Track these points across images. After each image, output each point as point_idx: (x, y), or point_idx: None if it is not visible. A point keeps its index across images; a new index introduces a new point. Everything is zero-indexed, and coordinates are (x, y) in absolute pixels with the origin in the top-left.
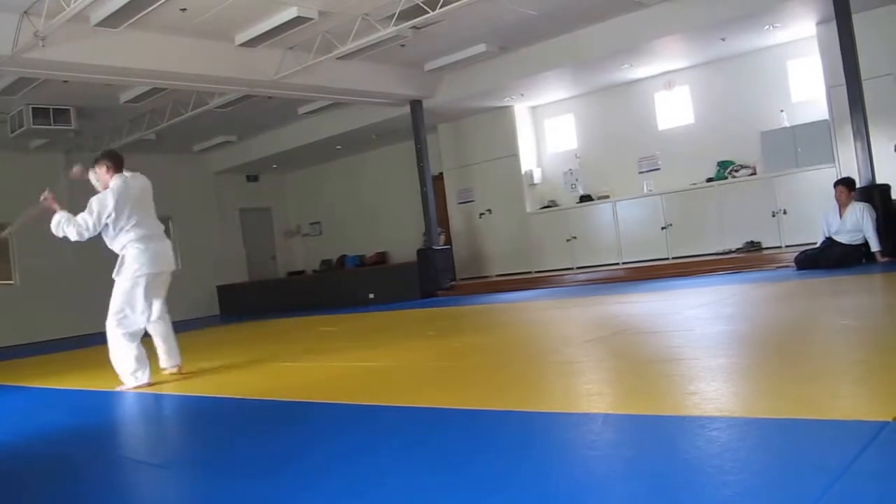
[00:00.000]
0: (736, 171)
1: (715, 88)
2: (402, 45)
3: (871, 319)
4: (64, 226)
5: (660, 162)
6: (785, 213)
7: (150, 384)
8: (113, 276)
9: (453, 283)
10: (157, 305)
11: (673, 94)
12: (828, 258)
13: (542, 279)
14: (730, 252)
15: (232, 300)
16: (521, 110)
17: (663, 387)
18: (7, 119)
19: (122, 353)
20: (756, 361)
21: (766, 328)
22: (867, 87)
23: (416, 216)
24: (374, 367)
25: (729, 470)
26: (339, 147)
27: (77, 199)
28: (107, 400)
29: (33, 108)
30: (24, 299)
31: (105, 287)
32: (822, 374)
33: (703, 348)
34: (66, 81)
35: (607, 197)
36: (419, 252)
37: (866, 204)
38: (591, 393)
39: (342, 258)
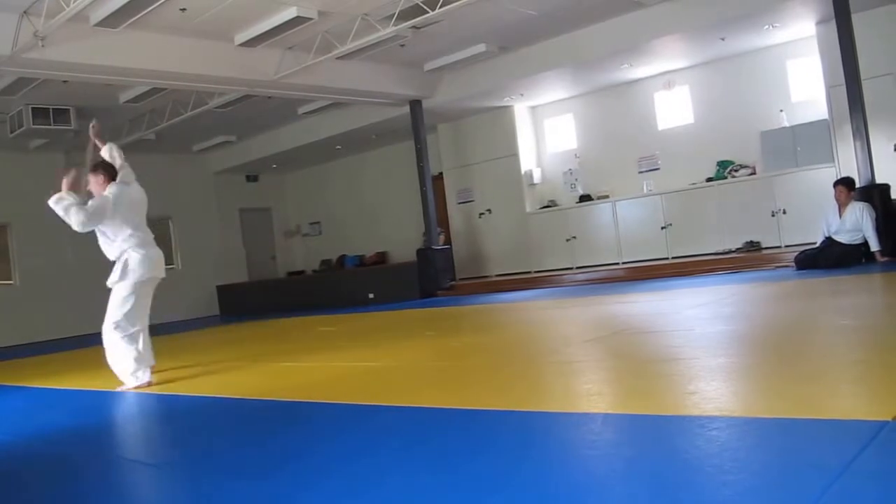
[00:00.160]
0: (735, 170)
1: (715, 88)
2: (402, 45)
3: (871, 319)
4: (73, 212)
5: (659, 162)
6: (784, 212)
7: (150, 384)
8: (109, 283)
9: (453, 282)
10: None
11: (672, 94)
12: (827, 258)
13: (541, 279)
14: (729, 252)
15: (232, 300)
16: (520, 110)
17: (663, 386)
18: (7, 119)
19: (120, 355)
20: (755, 361)
21: (765, 328)
22: (867, 86)
23: (416, 216)
24: (374, 367)
25: (728, 469)
26: (338, 147)
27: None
28: (107, 400)
29: (33, 108)
30: (24, 299)
31: (105, 287)
32: (821, 374)
33: (703, 348)
34: (65, 81)
35: (607, 197)
36: (419, 252)
37: (866, 204)
38: (590, 393)
39: (342, 258)
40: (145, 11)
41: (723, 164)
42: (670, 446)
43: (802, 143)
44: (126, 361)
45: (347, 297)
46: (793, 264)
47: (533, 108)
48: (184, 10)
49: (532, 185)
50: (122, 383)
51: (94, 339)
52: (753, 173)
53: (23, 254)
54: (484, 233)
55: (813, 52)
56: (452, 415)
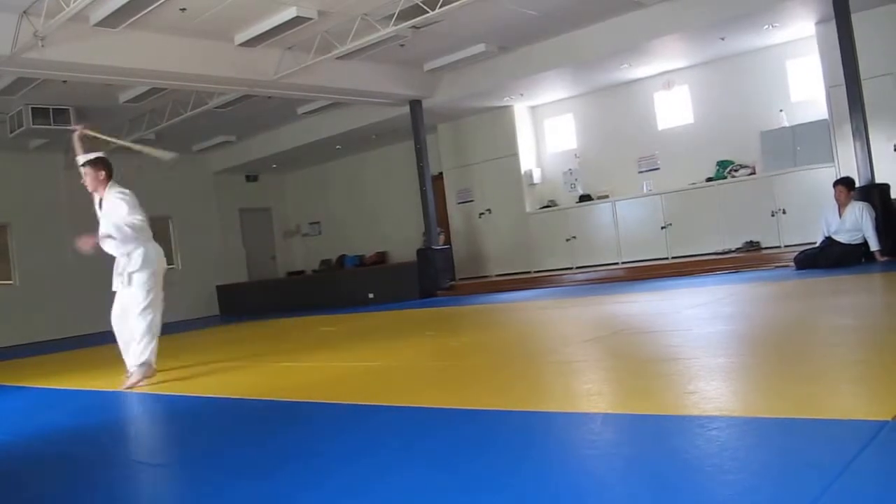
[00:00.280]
0: (735, 170)
1: (714, 88)
2: (402, 45)
3: (871, 319)
4: (135, 227)
5: (659, 162)
6: (784, 212)
7: (154, 373)
8: (122, 281)
9: (453, 282)
10: None
11: (672, 94)
12: (827, 258)
13: (541, 279)
14: (729, 252)
15: (232, 300)
16: (520, 110)
17: (663, 386)
18: (6, 119)
19: (147, 342)
20: (755, 361)
21: (765, 328)
22: (866, 86)
23: (416, 216)
24: (374, 367)
25: (728, 469)
26: (338, 147)
27: (77, 198)
28: (107, 400)
29: (33, 108)
30: (24, 299)
31: (105, 287)
32: (821, 374)
33: (703, 348)
34: (65, 81)
35: (607, 197)
36: (419, 252)
37: (865, 203)
38: (590, 392)
39: (342, 258)
40: (145, 11)
41: (722, 164)
42: (670, 446)
43: (802, 143)
44: (147, 351)
45: (347, 297)
46: (792, 264)
47: (533, 107)
48: (184, 10)
49: (532, 184)
50: (124, 381)
51: (94, 339)
52: (753, 173)
53: (23, 254)
54: (484, 233)
55: (813, 52)
56: (452, 415)
